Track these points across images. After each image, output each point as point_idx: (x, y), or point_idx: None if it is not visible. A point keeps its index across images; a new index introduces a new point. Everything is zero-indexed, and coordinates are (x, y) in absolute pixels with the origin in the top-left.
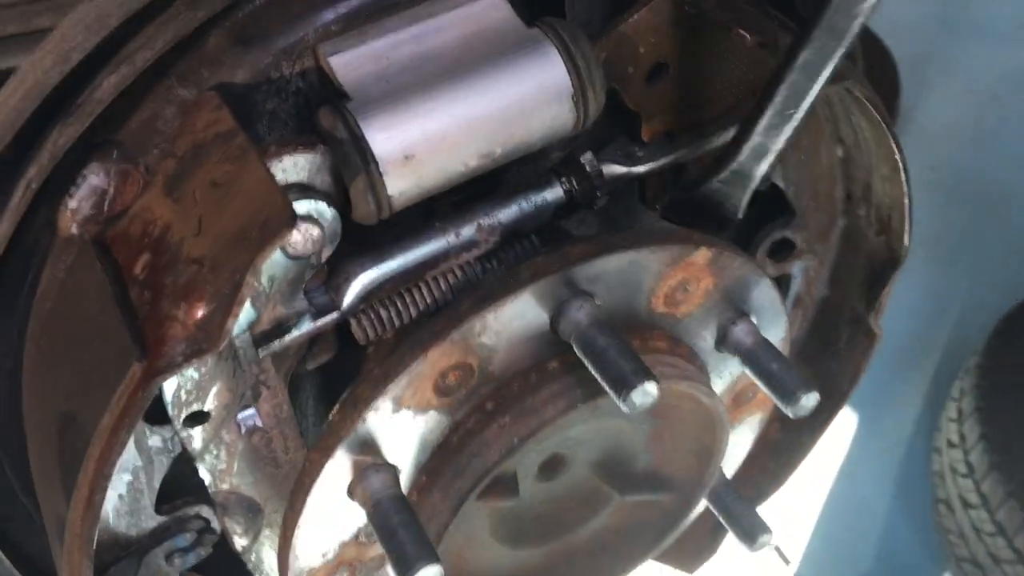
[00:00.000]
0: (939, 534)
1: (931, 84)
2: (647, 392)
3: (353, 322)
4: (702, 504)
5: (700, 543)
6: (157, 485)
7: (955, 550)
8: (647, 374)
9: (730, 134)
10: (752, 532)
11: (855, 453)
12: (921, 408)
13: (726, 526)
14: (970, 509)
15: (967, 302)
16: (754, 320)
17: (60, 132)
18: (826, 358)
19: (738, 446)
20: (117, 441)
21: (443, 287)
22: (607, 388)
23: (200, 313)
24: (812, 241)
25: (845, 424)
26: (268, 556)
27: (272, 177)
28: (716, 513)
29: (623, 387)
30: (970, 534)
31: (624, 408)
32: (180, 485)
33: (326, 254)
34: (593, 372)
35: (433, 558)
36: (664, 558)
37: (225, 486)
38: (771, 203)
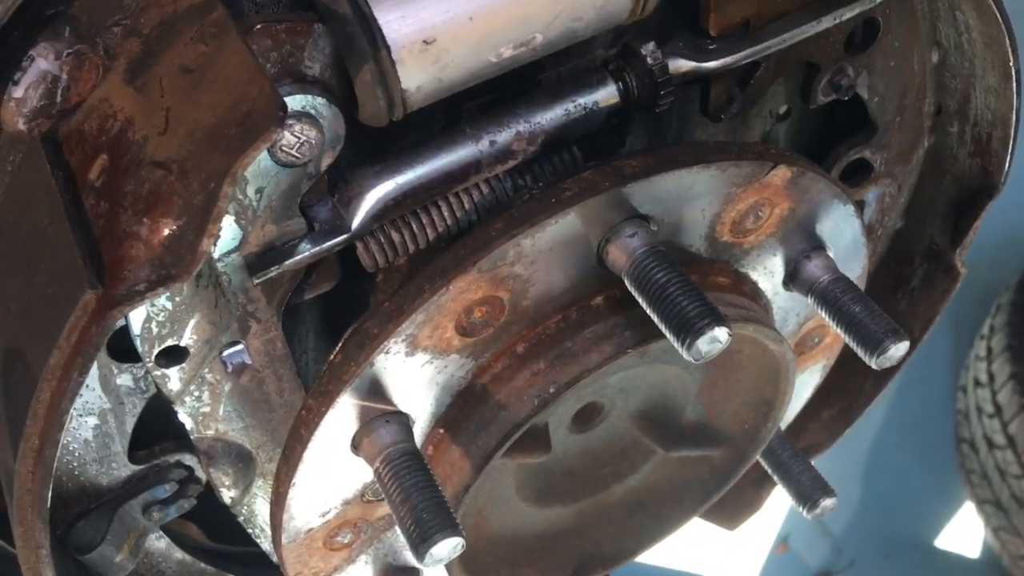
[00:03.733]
0: (960, 474)
1: None
2: (716, 339)
3: (359, 246)
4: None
5: (742, 498)
6: (129, 430)
7: (977, 491)
8: (717, 317)
9: (822, 24)
10: (811, 495)
11: None
12: (947, 345)
13: (782, 486)
14: (996, 450)
15: (1002, 234)
16: (831, 253)
17: None
18: (895, 298)
19: (797, 397)
20: (68, 384)
21: (466, 206)
22: (667, 333)
23: (167, 230)
24: (892, 163)
25: None
26: (262, 509)
27: (257, 60)
28: (770, 471)
29: (687, 333)
30: (994, 475)
31: (688, 357)
32: (159, 427)
33: (326, 162)
34: (650, 313)
35: (453, 528)
36: (703, 514)
37: (210, 432)
38: (846, 117)
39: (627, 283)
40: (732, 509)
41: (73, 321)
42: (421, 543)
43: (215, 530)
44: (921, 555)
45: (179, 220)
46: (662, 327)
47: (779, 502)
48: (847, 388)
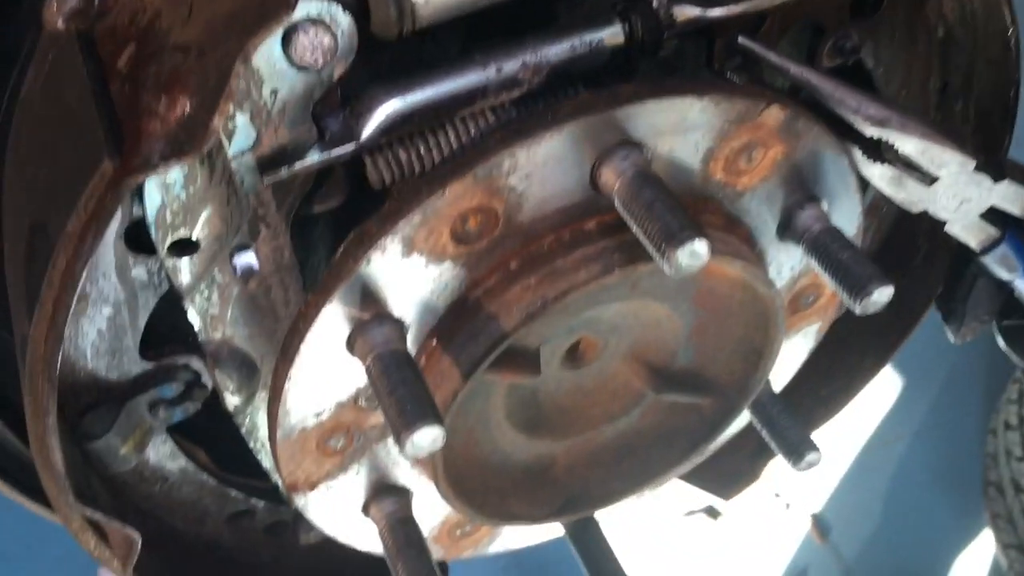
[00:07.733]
0: (987, 517)
1: None
2: (695, 252)
3: (368, 162)
4: (744, 417)
5: (739, 466)
6: (141, 324)
7: (1002, 535)
8: (696, 231)
9: None
10: (798, 449)
11: (900, 426)
12: (979, 389)
13: (769, 441)
14: (1023, 494)
15: None
16: (825, 206)
17: None
18: (898, 276)
19: (790, 359)
20: (84, 249)
21: (472, 130)
22: (647, 245)
23: (181, 108)
24: None
25: (892, 393)
26: (263, 421)
27: None
28: (759, 426)
29: (667, 244)
30: (1019, 520)
31: (667, 269)
32: (169, 333)
33: (339, 70)
34: (633, 228)
35: (434, 418)
36: (699, 482)
37: (217, 335)
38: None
39: (616, 203)
40: (728, 479)
41: (90, 189)
42: (403, 430)
43: (224, 460)
44: None
45: (194, 98)
46: (644, 241)
47: (795, 536)
48: (847, 365)
